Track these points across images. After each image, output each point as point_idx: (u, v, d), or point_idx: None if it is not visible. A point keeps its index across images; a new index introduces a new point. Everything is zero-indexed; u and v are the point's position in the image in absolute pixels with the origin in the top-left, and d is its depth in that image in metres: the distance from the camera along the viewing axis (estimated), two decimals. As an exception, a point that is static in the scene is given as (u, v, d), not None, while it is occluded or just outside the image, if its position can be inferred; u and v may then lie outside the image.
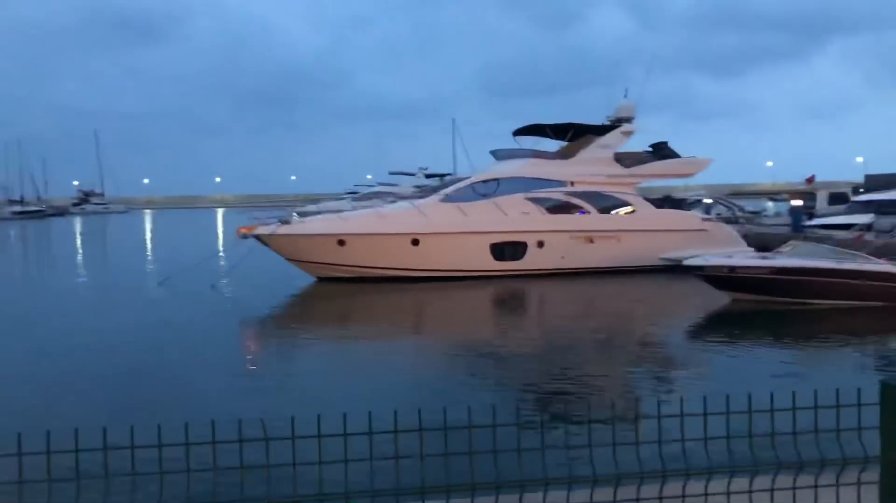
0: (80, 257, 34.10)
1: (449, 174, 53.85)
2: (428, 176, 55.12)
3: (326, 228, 19.22)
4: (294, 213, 19.67)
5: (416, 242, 19.15)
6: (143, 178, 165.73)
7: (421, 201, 20.26)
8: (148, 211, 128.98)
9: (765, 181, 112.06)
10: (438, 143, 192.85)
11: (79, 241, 46.69)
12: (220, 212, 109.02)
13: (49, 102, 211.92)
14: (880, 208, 23.01)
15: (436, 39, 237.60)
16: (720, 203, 30.89)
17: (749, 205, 35.42)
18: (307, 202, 72.09)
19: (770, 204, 43.64)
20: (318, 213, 42.67)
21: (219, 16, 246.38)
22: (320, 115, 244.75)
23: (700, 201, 30.58)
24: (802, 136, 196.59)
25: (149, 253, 34.04)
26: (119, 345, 12.01)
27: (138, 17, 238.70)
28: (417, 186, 53.61)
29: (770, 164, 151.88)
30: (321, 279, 19.46)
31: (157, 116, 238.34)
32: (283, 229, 19.11)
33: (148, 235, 51.20)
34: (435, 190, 21.41)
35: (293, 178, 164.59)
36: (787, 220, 29.95)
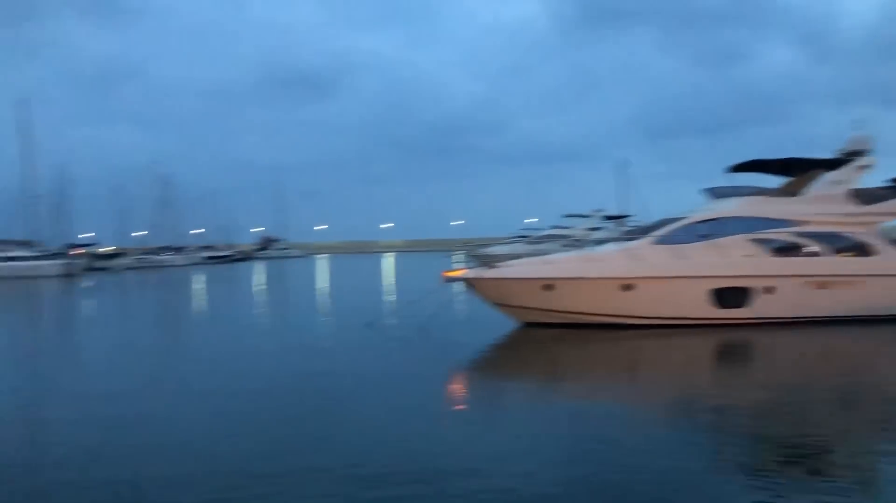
0: (279, 298, 35.65)
1: (628, 216, 52.11)
2: (607, 217, 53.60)
3: (533, 272, 18.46)
4: (452, 256, 19.19)
5: (628, 287, 17.97)
6: (318, 224, 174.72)
7: (631, 243, 19.08)
8: (323, 255, 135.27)
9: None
10: (597, 185, 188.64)
11: (273, 284, 49.16)
12: (390, 256, 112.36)
13: (234, 156, 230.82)
14: None
15: (593, 82, 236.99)
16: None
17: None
18: (476, 246, 72.61)
19: None
20: (491, 256, 42.50)
21: (383, 70, 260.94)
22: (480, 162, 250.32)
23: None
24: None
25: (344, 296, 34.89)
26: (324, 386, 11.92)
27: (308, 74, 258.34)
28: (592, 229, 52.24)
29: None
30: (527, 324, 18.73)
31: (328, 166, 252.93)
32: (490, 273, 18.59)
33: (335, 279, 53.04)
34: (646, 232, 20.06)
35: (459, 222, 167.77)
36: None
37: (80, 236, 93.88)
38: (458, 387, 12.29)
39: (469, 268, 19.42)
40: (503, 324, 18.73)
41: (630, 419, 9.74)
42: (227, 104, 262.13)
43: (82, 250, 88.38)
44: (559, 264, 18.77)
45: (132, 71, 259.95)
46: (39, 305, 36.41)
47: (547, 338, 17.39)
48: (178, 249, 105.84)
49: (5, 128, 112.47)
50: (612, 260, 18.55)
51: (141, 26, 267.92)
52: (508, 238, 61.78)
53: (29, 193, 77.78)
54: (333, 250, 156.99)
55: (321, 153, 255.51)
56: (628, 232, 27.96)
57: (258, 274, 64.82)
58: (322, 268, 74.75)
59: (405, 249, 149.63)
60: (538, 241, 50.29)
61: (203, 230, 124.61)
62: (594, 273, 18.14)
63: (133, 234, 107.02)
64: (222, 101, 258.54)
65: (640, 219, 53.17)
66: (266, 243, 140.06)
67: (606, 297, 18.04)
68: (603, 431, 8.82)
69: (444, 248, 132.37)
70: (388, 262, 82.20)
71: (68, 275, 66.71)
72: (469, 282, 18.89)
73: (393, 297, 29.10)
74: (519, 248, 46.39)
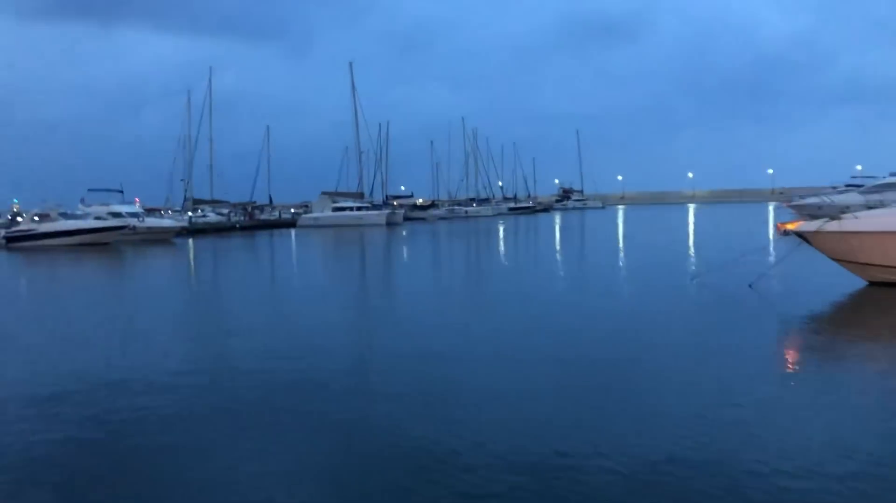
0: (591, 249, 36.15)
1: None
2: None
3: (888, 225, 16.40)
4: (771, 207, 17.31)
5: None
6: (617, 174, 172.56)
7: None
8: (621, 206, 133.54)
9: None
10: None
11: (580, 234, 49.92)
12: (693, 206, 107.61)
13: (534, 108, 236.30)
14: None
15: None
16: None
17: None
18: (794, 196, 66.40)
19: None
20: (818, 207, 38.41)
21: (686, 11, 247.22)
22: (794, 104, 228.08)
23: None
24: None
25: (658, 248, 34.21)
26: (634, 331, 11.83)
27: (607, 21, 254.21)
28: (947, 176, 44.85)
29: None
30: (873, 284, 16.75)
31: (627, 115, 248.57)
32: (832, 226, 16.87)
33: (642, 230, 52.25)
34: None
35: (769, 171, 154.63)
36: None
37: (402, 188, 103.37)
38: (794, 357, 11.20)
39: (803, 219, 17.78)
40: (847, 284, 16.96)
41: None
42: (530, 57, 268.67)
43: (401, 201, 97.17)
44: (922, 216, 16.43)
45: (441, 31, 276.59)
46: (396, 249, 40.95)
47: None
48: (484, 200, 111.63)
49: (341, 90, 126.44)
50: None
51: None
52: (837, 187, 55.43)
53: (356, 149, 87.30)
54: (632, 201, 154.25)
55: (621, 101, 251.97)
56: None
57: (561, 224, 66.11)
58: (624, 219, 73.94)
59: (709, 200, 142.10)
60: (875, 191, 44.45)
61: (505, 182, 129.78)
62: (968, 227, 15.60)
63: (444, 187, 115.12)
64: (525, 54, 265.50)
65: None
66: (566, 194, 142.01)
67: (982, 256, 15.45)
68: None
69: (753, 198, 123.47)
70: (694, 214, 78.73)
71: (391, 224, 74.01)
72: (806, 236, 17.33)
73: (712, 251, 27.81)
74: (852, 198, 41.48)
